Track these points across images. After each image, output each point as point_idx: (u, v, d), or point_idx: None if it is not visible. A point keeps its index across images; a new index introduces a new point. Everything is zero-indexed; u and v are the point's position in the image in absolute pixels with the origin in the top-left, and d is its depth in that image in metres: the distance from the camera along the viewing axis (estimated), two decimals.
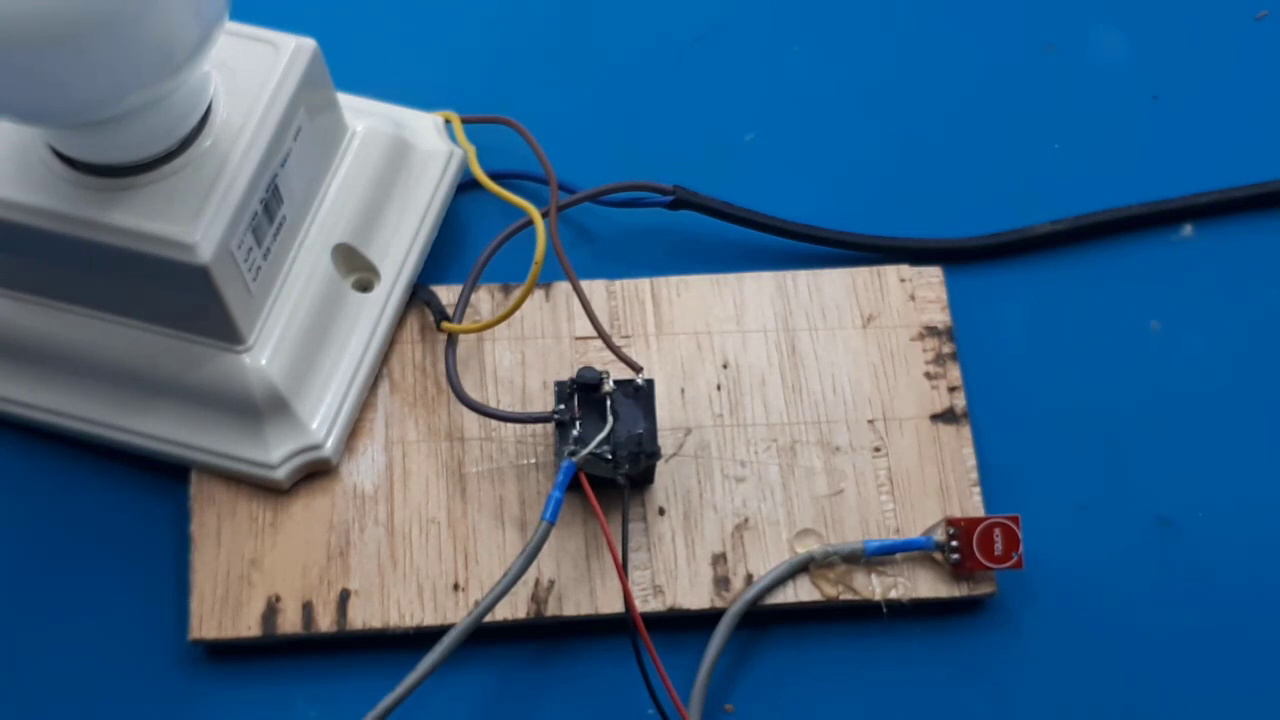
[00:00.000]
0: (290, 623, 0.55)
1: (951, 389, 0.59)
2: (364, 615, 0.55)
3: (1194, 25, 0.69)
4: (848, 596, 0.55)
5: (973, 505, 0.57)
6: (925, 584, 0.55)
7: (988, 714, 0.55)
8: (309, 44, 0.55)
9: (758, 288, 0.61)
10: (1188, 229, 0.64)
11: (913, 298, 0.61)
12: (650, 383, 0.56)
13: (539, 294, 0.60)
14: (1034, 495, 0.58)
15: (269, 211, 0.54)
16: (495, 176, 0.61)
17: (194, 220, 0.51)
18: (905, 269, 0.61)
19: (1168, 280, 0.63)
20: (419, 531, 0.56)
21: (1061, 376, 0.61)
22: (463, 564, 0.56)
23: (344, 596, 0.55)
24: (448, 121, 0.63)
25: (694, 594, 0.55)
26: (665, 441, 0.57)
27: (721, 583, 0.55)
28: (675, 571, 0.56)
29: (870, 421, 0.58)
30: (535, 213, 0.57)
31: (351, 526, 0.56)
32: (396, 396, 0.58)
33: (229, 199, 0.52)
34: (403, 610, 0.55)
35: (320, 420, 0.56)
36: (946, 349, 0.60)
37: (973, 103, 0.67)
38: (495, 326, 0.58)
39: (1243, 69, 0.68)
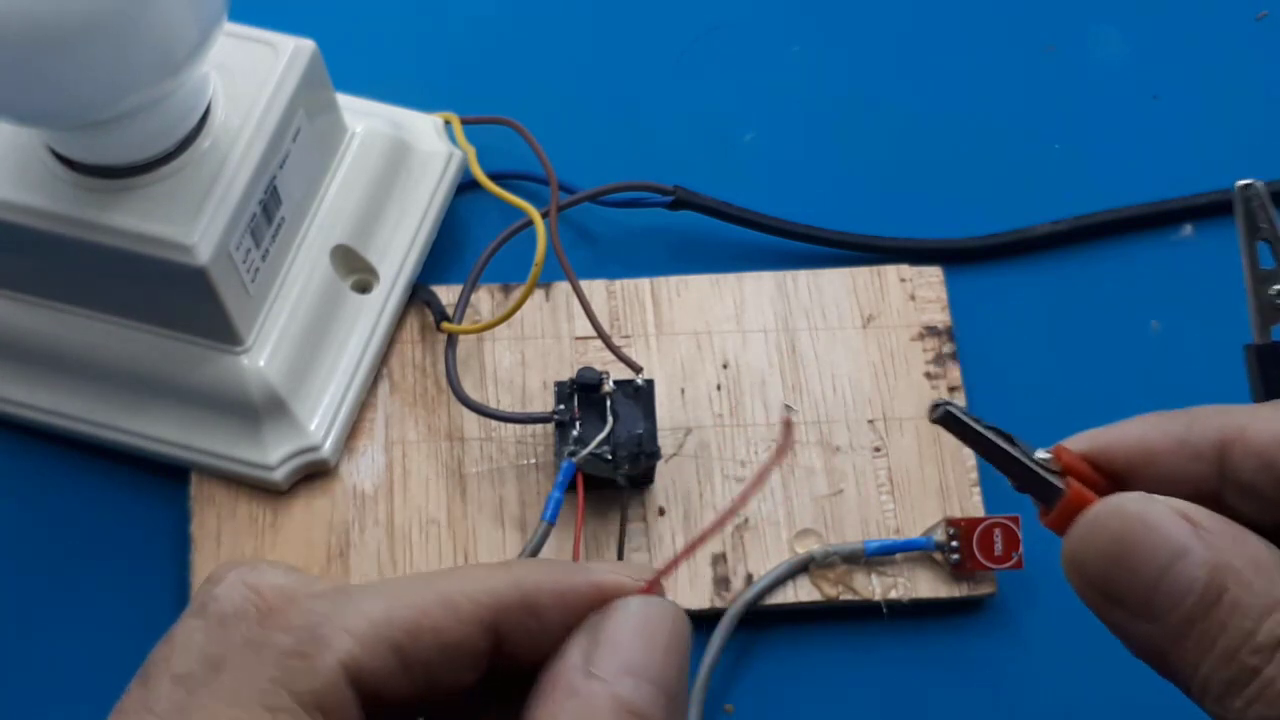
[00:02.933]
0: None
1: (951, 389, 0.59)
2: None
3: (1194, 25, 0.69)
4: (848, 596, 0.55)
5: (973, 505, 0.57)
6: (925, 584, 0.55)
7: (988, 714, 0.55)
8: (308, 45, 0.55)
9: (758, 288, 0.61)
10: (1188, 229, 0.64)
11: (913, 298, 0.61)
12: (650, 383, 0.56)
13: (539, 294, 0.60)
14: None
15: (267, 213, 0.54)
16: (495, 177, 0.61)
17: (192, 221, 0.51)
18: (905, 269, 0.61)
19: (1168, 280, 0.63)
20: (419, 532, 0.56)
21: (1061, 377, 0.61)
22: (463, 564, 0.56)
23: None
24: (447, 122, 0.63)
25: (694, 594, 0.55)
26: (665, 441, 0.57)
27: (721, 583, 0.55)
28: (675, 571, 0.56)
29: (870, 421, 0.58)
30: (535, 213, 0.57)
31: (351, 527, 0.56)
32: (396, 397, 0.58)
33: (227, 200, 0.52)
34: None
35: (318, 422, 0.56)
36: (946, 349, 0.60)
37: (973, 103, 0.67)
38: (495, 327, 0.58)
39: (1243, 69, 0.68)
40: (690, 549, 0.36)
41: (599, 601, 0.34)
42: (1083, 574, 0.36)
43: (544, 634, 0.34)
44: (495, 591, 0.33)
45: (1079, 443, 0.38)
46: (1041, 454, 0.37)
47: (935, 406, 0.36)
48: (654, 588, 0.34)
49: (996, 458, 0.37)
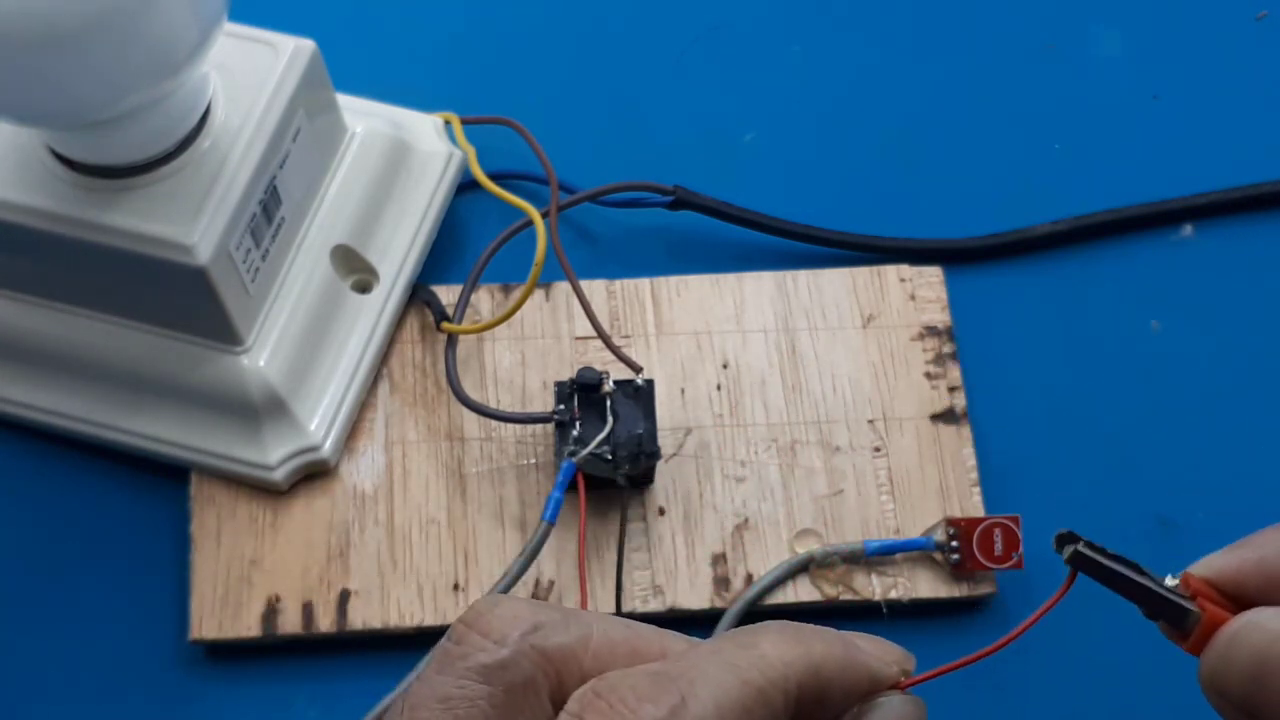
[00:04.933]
0: (290, 623, 0.55)
1: (951, 389, 0.59)
2: (364, 615, 0.55)
3: (1194, 25, 0.69)
4: (848, 596, 0.55)
5: (973, 505, 0.57)
6: (925, 584, 0.55)
7: (988, 714, 0.55)
8: (308, 45, 0.55)
9: (758, 288, 0.61)
10: (1188, 229, 0.64)
11: (913, 298, 0.61)
12: (650, 383, 0.56)
13: (539, 294, 0.60)
14: (1034, 495, 0.58)
15: (267, 213, 0.54)
16: (495, 177, 0.61)
17: (192, 221, 0.51)
18: (905, 269, 0.61)
19: (1168, 280, 0.63)
20: (419, 531, 0.56)
21: (1061, 377, 0.61)
22: (463, 564, 0.56)
23: (344, 596, 0.55)
24: (447, 123, 0.63)
25: (694, 594, 0.55)
26: (665, 441, 0.57)
27: (721, 583, 0.55)
28: (675, 571, 0.56)
29: (870, 421, 0.58)
30: (535, 213, 0.58)
31: (351, 527, 0.56)
32: (396, 396, 0.58)
33: (227, 200, 0.52)
34: (403, 610, 0.55)
35: (318, 422, 0.56)
36: (946, 349, 0.60)
37: (973, 103, 0.67)
38: (495, 327, 0.58)
39: (1243, 69, 0.68)
40: (960, 664, 0.38)
41: (870, 692, 0.37)
42: (1223, 693, 0.36)
43: (819, 716, 0.36)
44: (801, 683, 0.35)
45: (1202, 569, 0.38)
46: (1169, 580, 0.38)
47: (1061, 541, 0.38)
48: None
49: (1129, 590, 0.38)
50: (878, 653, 0.37)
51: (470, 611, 0.35)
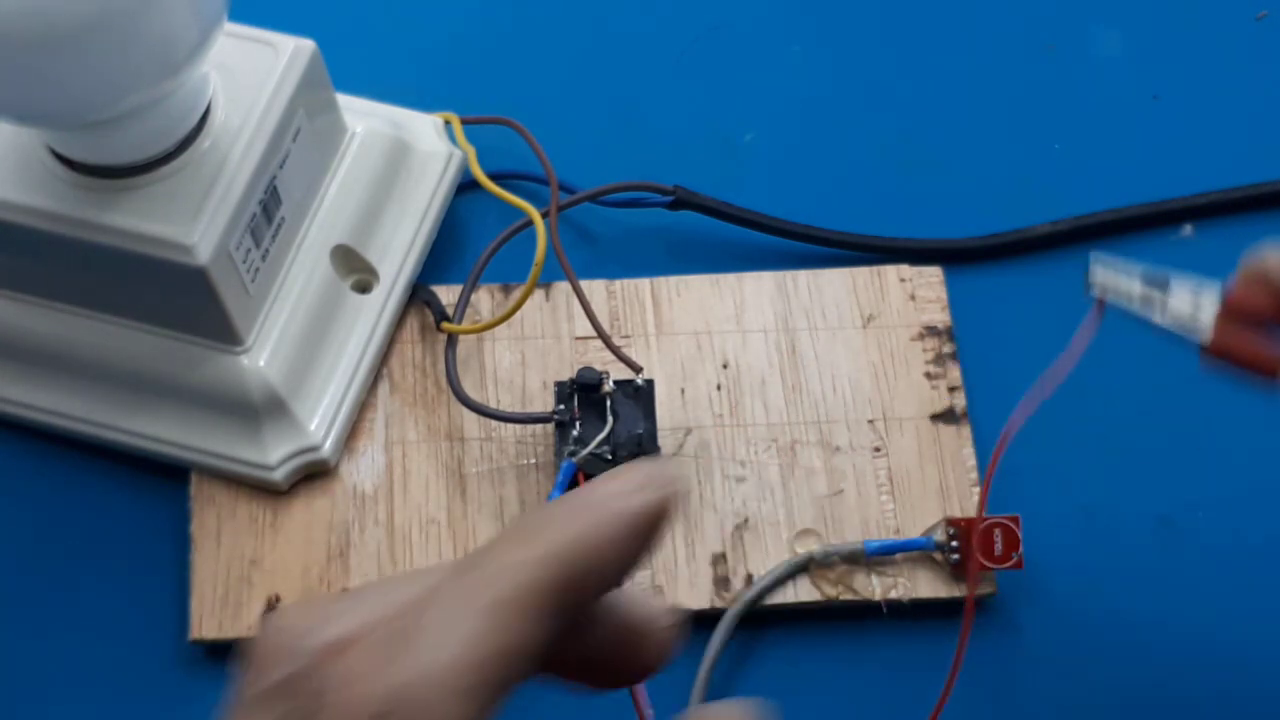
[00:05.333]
0: None
1: (951, 389, 0.59)
2: None
3: (1194, 25, 0.69)
4: (848, 596, 0.55)
5: (973, 505, 0.57)
6: (925, 584, 0.55)
7: (988, 714, 0.55)
8: (308, 45, 0.55)
9: (758, 288, 0.61)
10: (1188, 229, 0.64)
11: (913, 298, 0.61)
12: (650, 383, 0.56)
13: (539, 294, 0.60)
14: (1034, 495, 0.58)
15: (267, 213, 0.54)
16: (495, 177, 0.61)
17: (192, 221, 0.51)
18: (905, 269, 0.61)
19: None
20: (419, 531, 0.56)
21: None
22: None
23: None
24: (447, 123, 0.63)
25: (694, 594, 0.55)
26: (665, 441, 0.57)
27: (721, 583, 0.55)
28: (675, 571, 0.56)
29: (870, 421, 0.58)
30: (535, 213, 0.58)
31: (351, 527, 0.56)
32: (396, 397, 0.58)
33: (227, 200, 0.52)
34: None
35: (319, 421, 0.56)
36: (946, 349, 0.60)
37: (973, 103, 0.67)
38: (495, 327, 0.58)
39: (1243, 69, 0.68)
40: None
41: (648, 529, 0.30)
42: None
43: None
44: (554, 578, 0.29)
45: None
46: (1211, 293, 0.45)
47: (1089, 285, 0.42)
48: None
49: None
50: (621, 489, 0.31)
51: (252, 639, 0.31)
